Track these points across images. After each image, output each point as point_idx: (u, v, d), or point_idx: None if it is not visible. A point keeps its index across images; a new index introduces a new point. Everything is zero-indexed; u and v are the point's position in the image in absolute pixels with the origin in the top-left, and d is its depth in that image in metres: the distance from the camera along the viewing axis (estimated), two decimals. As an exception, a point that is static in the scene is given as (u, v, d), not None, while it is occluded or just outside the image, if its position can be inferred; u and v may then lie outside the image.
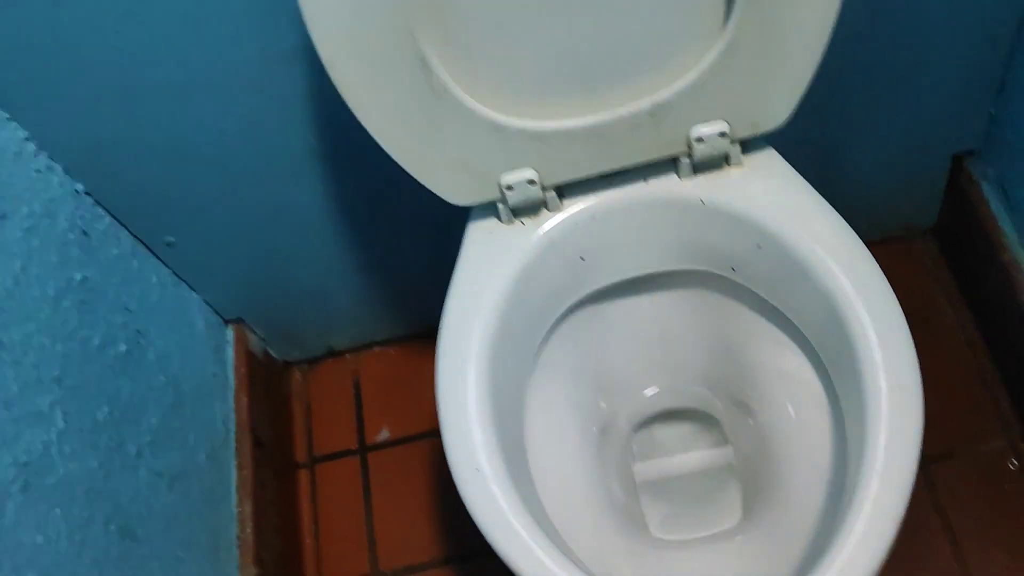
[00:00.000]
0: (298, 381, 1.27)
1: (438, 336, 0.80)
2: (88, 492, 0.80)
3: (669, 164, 0.81)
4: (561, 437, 0.91)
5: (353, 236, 1.04)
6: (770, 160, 0.81)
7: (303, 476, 1.21)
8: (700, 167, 0.80)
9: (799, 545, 0.80)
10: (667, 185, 0.81)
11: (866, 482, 0.67)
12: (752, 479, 0.92)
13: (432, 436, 1.20)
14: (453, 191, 0.79)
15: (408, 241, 1.06)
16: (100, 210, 0.91)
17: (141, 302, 0.95)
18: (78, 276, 0.85)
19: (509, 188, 0.78)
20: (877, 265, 0.76)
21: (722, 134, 0.76)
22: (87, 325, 0.85)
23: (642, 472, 0.98)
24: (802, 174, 0.80)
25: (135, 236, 0.96)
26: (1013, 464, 1.06)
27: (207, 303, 1.10)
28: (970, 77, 0.95)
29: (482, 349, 0.78)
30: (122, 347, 0.90)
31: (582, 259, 0.85)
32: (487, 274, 0.81)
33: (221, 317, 1.13)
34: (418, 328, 1.25)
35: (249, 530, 1.04)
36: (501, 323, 0.79)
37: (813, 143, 0.95)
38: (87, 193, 0.89)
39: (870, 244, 1.18)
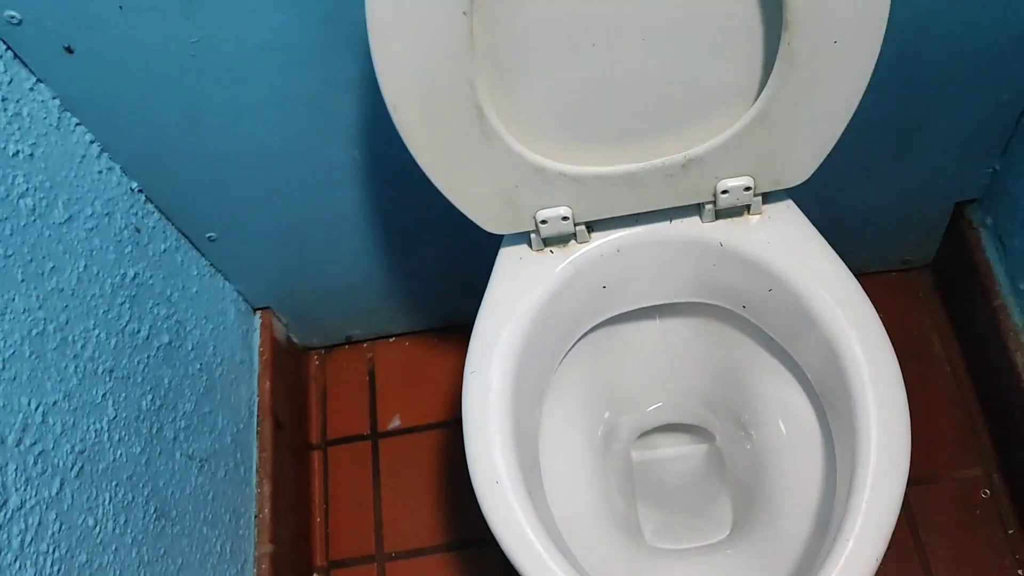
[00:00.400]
0: (316, 366, 1.33)
1: (468, 352, 0.85)
2: (132, 476, 0.86)
3: (693, 208, 0.86)
4: (570, 447, 0.97)
5: (383, 241, 1.09)
6: (787, 211, 0.86)
7: (316, 457, 1.27)
8: (722, 214, 0.86)
9: (783, 564, 0.87)
10: (690, 227, 0.87)
11: (851, 522, 0.73)
12: (743, 497, 0.98)
13: (441, 427, 1.26)
14: (491, 221, 0.84)
15: (434, 248, 1.11)
16: (151, 207, 0.96)
17: (182, 294, 1.00)
18: (131, 272, 0.90)
19: (544, 222, 0.84)
20: (879, 319, 0.82)
21: (747, 188, 0.82)
22: (136, 319, 0.90)
23: (640, 480, 1.05)
24: (812, 209, 0.86)
25: (180, 231, 1.01)
26: (985, 493, 1.13)
27: (239, 292, 1.15)
28: (978, 135, 1.00)
29: (507, 367, 0.83)
30: (165, 338, 0.95)
31: (604, 287, 0.91)
32: (515, 298, 0.86)
33: (251, 305, 1.19)
34: (434, 323, 1.31)
35: (267, 509, 1.10)
36: (525, 344, 0.85)
37: (824, 184, 1.01)
38: (140, 191, 0.93)
39: (869, 275, 1.26)
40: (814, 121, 0.77)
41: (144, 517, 0.87)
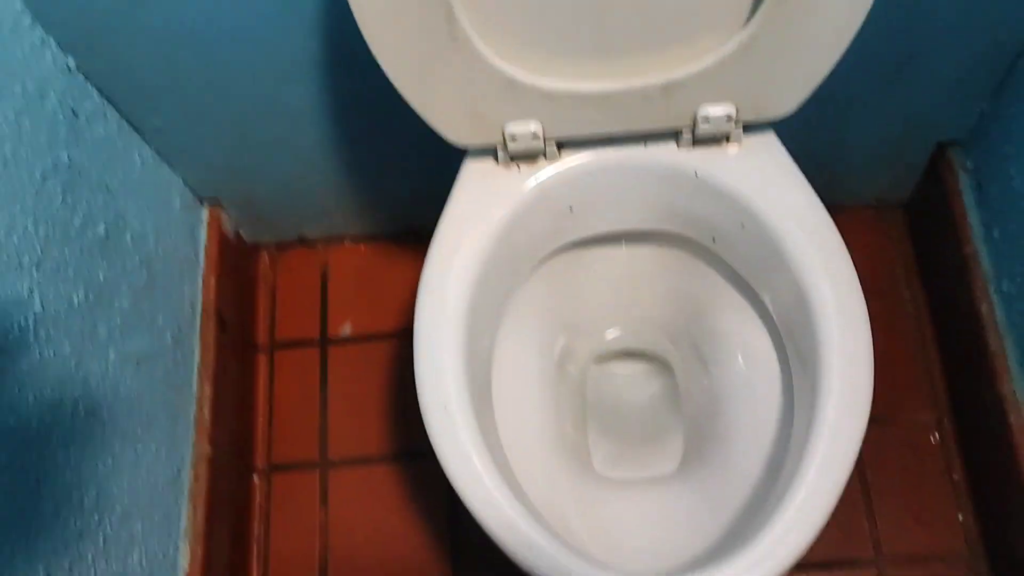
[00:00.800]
0: (266, 264, 1.28)
1: (424, 268, 0.81)
2: (59, 375, 0.81)
3: (670, 133, 0.81)
4: (524, 370, 0.95)
5: (339, 140, 1.03)
6: (768, 143, 0.82)
7: (262, 359, 1.23)
8: (700, 141, 0.81)
9: (730, 502, 0.86)
10: (665, 152, 0.82)
11: (810, 462, 0.72)
12: (696, 432, 0.97)
13: (393, 337, 1.23)
14: (455, 132, 0.79)
15: (394, 150, 1.05)
16: (90, 88, 0.89)
17: (123, 182, 0.94)
18: (64, 157, 0.84)
19: (512, 138, 0.78)
20: (852, 265, 0.79)
21: (728, 117, 0.77)
22: (69, 207, 0.84)
23: (594, 407, 1.03)
24: (790, 139, 0.82)
25: (123, 115, 0.94)
26: (935, 438, 1.14)
27: (186, 183, 1.09)
28: (971, 75, 0.96)
29: (463, 288, 0.79)
30: (101, 229, 0.90)
31: (571, 209, 0.86)
32: (477, 215, 0.82)
33: (198, 196, 1.13)
34: (393, 229, 1.26)
35: (207, 411, 1.07)
36: (484, 264, 0.81)
37: (805, 114, 0.96)
38: (78, 69, 0.86)
39: (843, 209, 1.22)
40: (806, 51, 0.72)
41: (72, 417, 0.82)
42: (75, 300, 0.84)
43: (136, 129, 0.97)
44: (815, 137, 1.05)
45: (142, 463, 0.94)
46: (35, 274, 0.78)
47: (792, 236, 0.79)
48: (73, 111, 0.86)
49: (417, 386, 0.77)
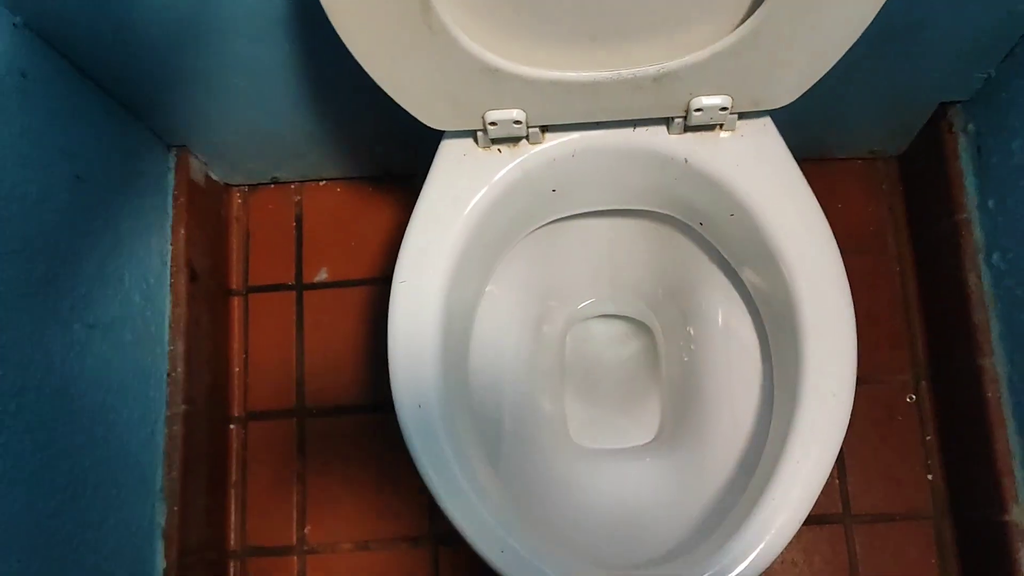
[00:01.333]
0: (238, 204, 1.23)
1: (399, 257, 0.77)
2: (22, 360, 0.78)
3: (661, 117, 0.77)
4: (502, 338, 0.93)
5: (311, 94, 0.97)
6: (763, 130, 0.78)
7: (236, 304, 1.21)
8: (692, 128, 0.77)
9: (707, 478, 0.86)
10: (654, 137, 0.78)
11: (797, 440, 0.71)
12: (673, 405, 0.96)
13: (371, 283, 1.20)
14: (433, 117, 0.74)
15: (370, 104, 1.00)
16: (40, 44, 0.82)
17: (82, 141, 0.89)
18: (17, 127, 0.78)
19: (493, 124, 0.74)
20: (840, 259, 0.76)
21: (723, 108, 0.73)
22: (27, 180, 0.79)
23: (572, 373, 1.02)
24: None
25: (77, 68, 0.87)
26: (911, 398, 1.14)
27: (152, 130, 1.03)
28: (981, 39, 0.91)
29: (441, 281, 0.77)
30: (62, 197, 0.85)
31: (553, 190, 0.83)
32: (454, 202, 0.78)
33: (165, 144, 1.07)
34: (370, 172, 1.21)
35: (180, 369, 1.05)
36: (462, 254, 0.78)
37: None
38: (26, 27, 0.79)
39: (834, 160, 1.18)
40: (811, 46, 0.68)
41: (38, 400, 0.80)
42: (35, 277, 0.81)
43: (94, 82, 0.91)
44: (812, 92, 1.00)
45: (114, 432, 0.92)
46: (-9, 258, 0.75)
47: (781, 231, 0.76)
48: (23, 74, 0.80)
49: (392, 381, 0.76)
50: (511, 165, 0.78)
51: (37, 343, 0.81)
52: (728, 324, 0.89)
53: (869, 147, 1.16)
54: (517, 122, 0.73)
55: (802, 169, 1.09)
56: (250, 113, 1.02)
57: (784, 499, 0.70)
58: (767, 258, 0.77)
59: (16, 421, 0.77)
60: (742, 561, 0.69)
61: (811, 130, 1.10)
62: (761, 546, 0.69)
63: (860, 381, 1.12)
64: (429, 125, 0.75)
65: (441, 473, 0.72)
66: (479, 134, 0.77)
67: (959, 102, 1.04)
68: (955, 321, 1.05)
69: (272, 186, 1.23)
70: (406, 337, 0.75)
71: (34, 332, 0.80)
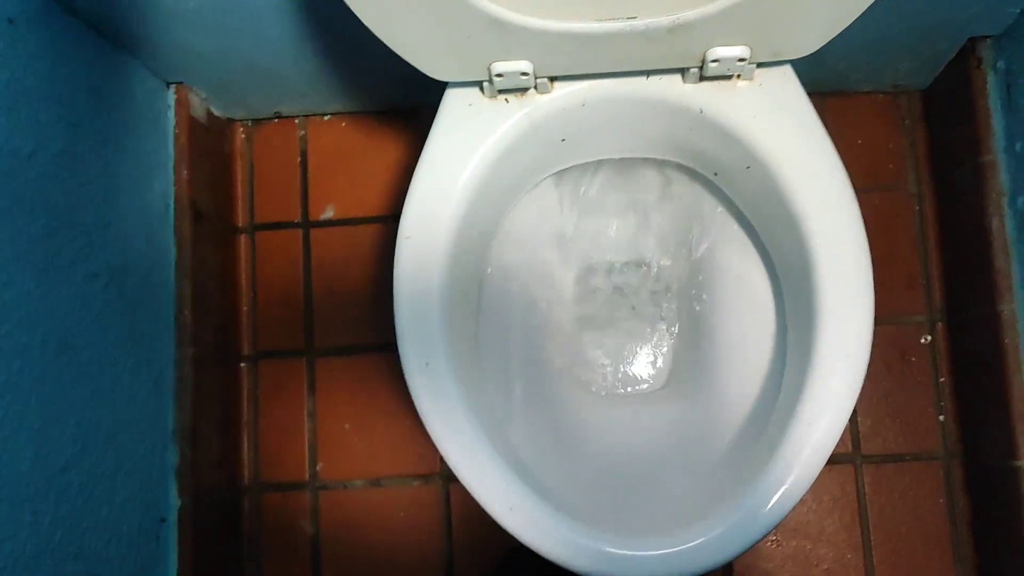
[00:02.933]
0: (241, 139, 1.20)
1: (404, 212, 0.76)
2: (24, 317, 0.78)
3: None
4: (513, 292, 0.91)
5: (306, 27, 0.93)
6: (782, 79, 0.74)
7: (242, 241, 1.19)
8: (708, 78, 0.73)
9: (722, 431, 0.86)
10: (669, 85, 0.75)
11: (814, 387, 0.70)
12: (685, 353, 0.95)
13: (378, 221, 1.18)
14: (436, 69, 0.71)
15: (366, 33, 0.95)
16: (24, -13, 0.79)
17: (75, 88, 0.86)
18: (4, 78, 0.76)
19: (499, 75, 0.71)
20: (860, 216, 0.74)
21: (741, 59, 0.69)
22: (18, 134, 0.77)
23: (584, 319, 1.01)
24: None
25: (66, 10, 0.84)
26: (926, 339, 1.12)
27: (148, 68, 1.00)
28: (1017, -27, 0.86)
29: (448, 236, 0.75)
30: (56, 147, 0.83)
31: (563, 140, 0.80)
32: (461, 154, 0.75)
33: (162, 80, 1.04)
34: (372, 107, 1.17)
35: (187, 312, 1.04)
36: (469, 206, 0.76)
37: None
38: (8, -30, 0.76)
39: (857, 94, 1.14)
40: (835, -5, 0.63)
41: (43, 356, 0.80)
42: (34, 232, 0.79)
43: (85, 23, 0.87)
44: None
45: (122, 380, 0.92)
46: (-14, 217, 0.73)
47: (799, 186, 0.73)
48: (9, 20, 0.77)
49: (398, 339, 0.75)
50: (518, 116, 0.75)
51: (39, 299, 0.80)
52: (742, 277, 0.87)
53: (893, 81, 1.12)
54: (524, 73, 0.70)
55: (824, 101, 1.05)
56: (246, 52, 0.98)
57: (795, 460, 0.69)
58: (784, 213, 0.74)
59: (21, 378, 0.77)
60: (753, 521, 0.69)
61: (833, 64, 1.05)
62: (770, 504, 0.69)
63: (876, 320, 1.12)
64: (432, 76, 0.72)
65: (450, 431, 0.72)
66: (485, 84, 0.74)
67: (989, 37, 0.99)
68: (975, 265, 1.02)
69: (276, 121, 1.20)
70: (411, 296, 0.74)
71: (36, 288, 0.79)
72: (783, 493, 0.69)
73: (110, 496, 0.89)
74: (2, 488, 0.74)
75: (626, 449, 0.90)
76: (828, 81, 1.10)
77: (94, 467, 0.87)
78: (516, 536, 0.71)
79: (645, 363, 0.98)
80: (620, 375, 0.98)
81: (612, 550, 0.70)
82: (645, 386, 0.97)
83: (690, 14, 0.65)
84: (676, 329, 0.97)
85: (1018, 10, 0.92)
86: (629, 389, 0.97)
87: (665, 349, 0.97)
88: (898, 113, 1.15)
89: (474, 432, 0.72)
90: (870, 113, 1.16)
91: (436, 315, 0.74)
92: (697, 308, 0.92)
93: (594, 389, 0.97)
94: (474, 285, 0.82)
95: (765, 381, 0.84)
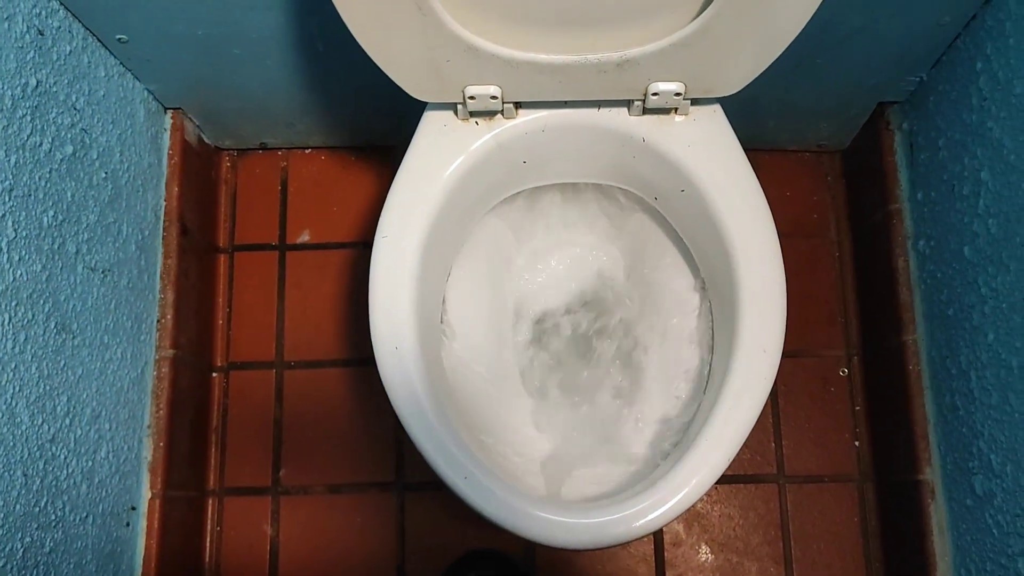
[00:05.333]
0: (227, 167, 1.30)
1: (382, 215, 0.85)
2: (32, 294, 0.86)
3: (623, 100, 0.86)
4: (475, 302, 1.01)
5: (304, 64, 1.05)
6: (713, 116, 0.87)
7: (222, 261, 1.28)
8: (650, 110, 0.86)
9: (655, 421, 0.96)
10: (616, 117, 0.87)
11: (727, 396, 0.80)
12: (622, 360, 1.05)
13: (350, 247, 1.28)
14: (417, 89, 0.82)
15: (359, 75, 1.07)
16: (56, 4, 0.89)
17: (88, 99, 0.96)
18: (33, 81, 0.85)
19: (472, 97, 0.82)
20: (775, 234, 0.85)
21: (677, 93, 0.82)
22: (38, 131, 0.87)
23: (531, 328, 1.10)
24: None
25: (88, 30, 0.95)
26: (844, 372, 1.24)
27: (150, 92, 1.10)
28: (914, 46, 1.00)
29: (419, 237, 0.85)
30: (69, 148, 0.92)
31: (524, 162, 0.91)
32: (435, 167, 0.86)
33: (162, 105, 1.14)
34: (353, 142, 1.29)
35: (169, 316, 1.12)
36: (439, 215, 0.86)
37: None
38: (44, -12, 0.87)
39: (785, 152, 1.28)
40: (757, 41, 0.77)
41: (44, 333, 0.88)
42: (45, 221, 0.88)
43: (101, 43, 0.98)
44: (765, 88, 1.10)
45: (109, 368, 1.00)
46: (8, 201, 0.82)
47: (725, 206, 0.85)
48: (39, 31, 0.87)
49: (371, 327, 0.83)
50: (486, 136, 0.87)
51: (45, 281, 0.88)
52: (676, 290, 0.98)
53: (817, 141, 1.26)
54: (493, 97, 0.82)
55: (757, 158, 1.19)
56: (244, 81, 1.09)
57: (718, 439, 0.79)
58: (712, 231, 0.86)
59: (24, 349, 0.85)
60: (679, 492, 0.78)
61: (765, 123, 1.20)
62: (695, 479, 0.78)
63: (798, 355, 1.25)
64: (414, 96, 0.83)
65: (413, 408, 0.81)
66: (459, 107, 0.85)
67: (896, 103, 1.14)
68: (884, 301, 1.15)
69: (260, 151, 1.31)
70: (386, 286, 0.83)
71: (43, 270, 0.88)
72: (707, 466, 0.78)
73: (90, 474, 0.96)
74: (1, 444, 0.81)
75: (566, 440, 0.99)
76: (761, 138, 1.24)
77: (78, 444, 0.94)
78: (467, 502, 0.79)
79: (590, 371, 1.08)
80: (566, 376, 1.07)
81: (551, 516, 0.78)
82: (589, 389, 1.07)
83: (635, 51, 0.78)
84: (619, 334, 1.07)
85: (918, 79, 1.07)
86: (574, 391, 1.06)
87: (607, 352, 1.07)
88: (821, 170, 1.30)
89: (434, 410, 0.81)
90: (798, 169, 1.30)
91: (406, 306, 0.83)
92: (635, 316, 1.03)
93: (538, 385, 1.06)
94: (441, 284, 0.92)
95: (696, 377, 0.94)
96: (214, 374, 1.24)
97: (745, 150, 0.87)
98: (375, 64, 0.91)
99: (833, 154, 1.30)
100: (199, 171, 1.23)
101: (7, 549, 0.82)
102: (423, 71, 0.80)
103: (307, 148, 1.30)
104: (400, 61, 0.79)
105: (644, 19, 0.76)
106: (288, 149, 1.31)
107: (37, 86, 0.86)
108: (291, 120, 1.20)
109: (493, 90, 0.82)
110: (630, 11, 0.76)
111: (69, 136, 0.92)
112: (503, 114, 0.86)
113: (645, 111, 0.86)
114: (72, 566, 0.92)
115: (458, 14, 0.74)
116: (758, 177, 0.86)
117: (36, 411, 0.86)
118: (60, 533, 0.91)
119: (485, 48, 0.77)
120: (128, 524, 1.05)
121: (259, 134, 1.26)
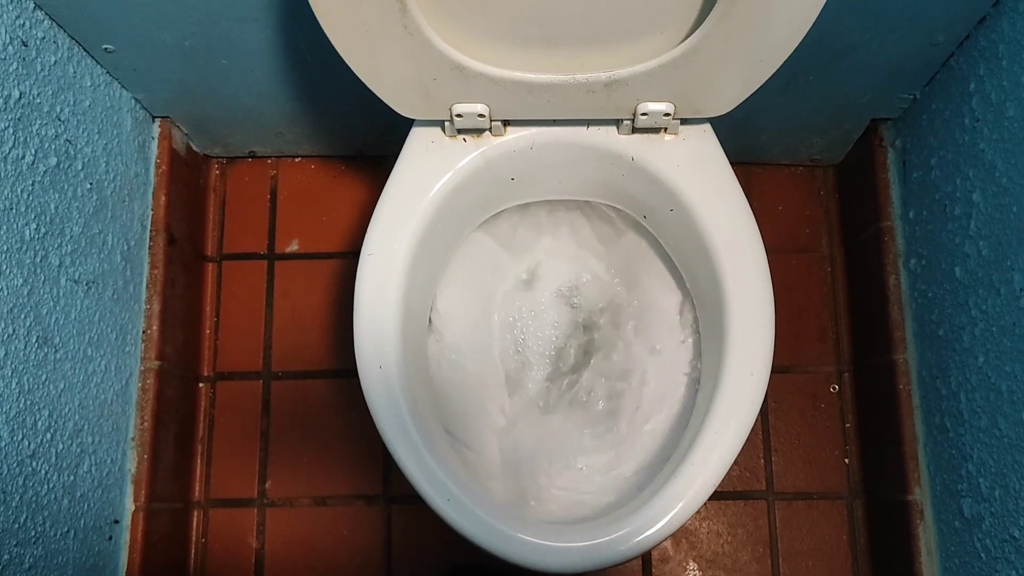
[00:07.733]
0: (216, 175, 1.29)
1: (368, 232, 0.85)
2: (12, 309, 0.85)
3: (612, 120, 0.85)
4: (463, 317, 1.00)
5: (292, 76, 1.04)
6: (703, 136, 0.86)
7: (210, 269, 1.27)
8: (639, 130, 0.85)
9: (644, 444, 0.95)
10: (605, 136, 0.86)
11: (715, 417, 0.80)
12: (607, 380, 1.05)
13: (338, 257, 1.27)
14: (405, 106, 0.82)
15: (347, 86, 1.06)
16: (40, 14, 0.88)
17: (73, 109, 0.95)
18: (16, 93, 0.84)
19: (459, 115, 0.81)
20: (764, 255, 0.84)
21: (666, 113, 0.81)
22: (21, 143, 0.86)
23: (517, 355, 1.10)
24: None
25: (73, 39, 0.94)
26: (834, 388, 1.24)
27: (137, 100, 1.09)
28: (907, 65, 1.00)
29: (405, 254, 0.84)
30: (52, 160, 0.91)
31: (512, 179, 0.90)
32: (422, 184, 0.85)
33: (149, 113, 1.13)
34: (343, 151, 1.28)
35: (155, 327, 1.11)
36: (426, 232, 0.85)
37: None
38: (28, -2, 0.86)
39: (778, 165, 1.27)
40: (746, 63, 0.76)
41: (25, 348, 0.87)
42: (27, 234, 0.87)
43: (87, 52, 0.97)
44: (758, 102, 1.09)
45: (92, 381, 0.99)
46: (-12, 214, 0.81)
47: (713, 227, 0.84)
48: (23, 42, 0.86)
49: (355, 342, 0.83)
50: (474, 154, 0.86)
51: (27, 295, 0.87)
52: (664, 308, 0.97)
53: (809, 155, 1.26)
54: (481, 115, 0.81)
55: (750, 172, 1.18)
56: (232, 91, 1.08)
57: (704, 462, 0.79)
58: (700, 251, 0.85)
59: (4, 364, 0.84)
60: (664, 516, 0.77)
61: (757, 136, 1.19)
62: (681, 503, 0.78)
63: (789, 370, 1.24)
64: (401, 113, 0.82)
65: (397, 429, 0.80)
66: (446, 124, 0.84)
67: (889, 119, 1.13)
68: (875, 318, 1.15)
69: (249, 160, 1.30)
70: (371, 305, 0.82)
71: (24, 283, 0.87)
72: (693, 489, 0.78)
73: (71, 489, 0.95)
74: (-22, 464, 0.80)
75: (553, 464, 0.98)
76: (754, 152, 1.23)
77: (59, 458, 0.93)
78: (451, 525, 0.78)
79: (575, 396, 1.07)
80: (554, 397, 1.07)
81: (536, 540, 0.77)
82: (578, 412, 1.06)
83: (623, 72, 0.77)
84: (602, 356, 1.06)
85: (911, 97, 1.06)
86: (561, 412, 1.06)
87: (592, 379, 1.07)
88: (814, 184, 1.29)
89: (418, 430, 0.80)
90: (790, 183, 1.29)
91: (391, 326, 0.82)
92: (621, 343, 1.02)
93: (525, 412, 1.05)
94: (427, 304, 0.91)
95: (683, 400, 0.94)
96: (200, 384, 1.24)
97: (738, 163, 0.86)
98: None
99: (826, 168, 1.29)
100: (187, 180, 1.22)
101: (-16, 567, 0.81)
102: (410, 89, 0.79)
103: (297, 157, 1.29)
104: (387, 79, 0.78)
105: (633, 39, 0.76)
106: (278, 158, 1.30)
107: (20, 98, 0.85)
108: (280, 129, 1.19)
109: (480, 108, 0.81)
110: (619, 31, 0.75)
111: (53, 147, 0.91)
112: (491, 131, 0.85)
113: (634, 130, 0.85)
114: (52, 582, 0.92)
115: (445, 33, 0.74)
116: (751, 190, 0.85)
117: (16, 426, 0.85)
118: (40, 549, 0.90)
119: (472, 67, 0.76)
120: (111, 538, 1.04)
121: (248, 142, 1.25)
